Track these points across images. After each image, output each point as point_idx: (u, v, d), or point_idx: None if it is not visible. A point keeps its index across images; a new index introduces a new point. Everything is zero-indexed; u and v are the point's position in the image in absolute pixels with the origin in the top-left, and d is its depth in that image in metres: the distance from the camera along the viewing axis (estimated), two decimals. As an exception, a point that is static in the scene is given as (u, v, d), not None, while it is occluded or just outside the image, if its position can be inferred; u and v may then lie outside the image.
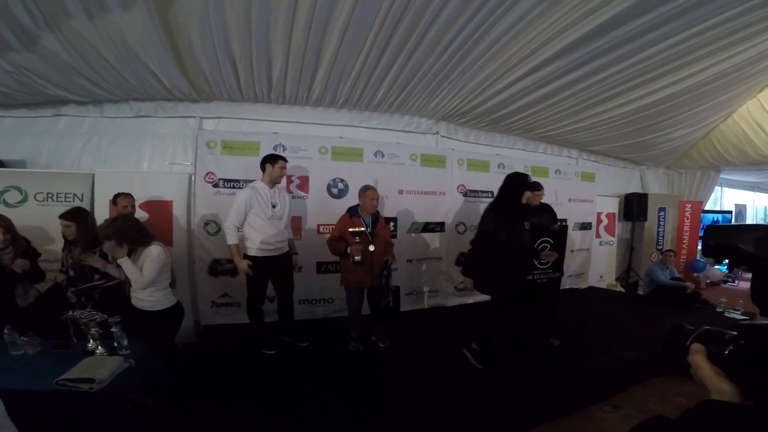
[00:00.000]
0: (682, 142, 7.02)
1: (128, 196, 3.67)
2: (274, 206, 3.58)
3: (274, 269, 3.63)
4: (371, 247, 3.59)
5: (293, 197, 4.56)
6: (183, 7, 2.82)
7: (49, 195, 4.01)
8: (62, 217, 3.06)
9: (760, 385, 0.62)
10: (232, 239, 3.47)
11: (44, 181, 4.03)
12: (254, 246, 3.53)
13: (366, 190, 3.71)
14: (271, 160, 3.60)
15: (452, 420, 2.65)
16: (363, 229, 3.56)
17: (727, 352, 0.66)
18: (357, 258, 3.52)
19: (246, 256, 3.53)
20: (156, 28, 2.96)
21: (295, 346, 3.82)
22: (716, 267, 8.27)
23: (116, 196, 3.63)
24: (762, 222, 10.90)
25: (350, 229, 3.56)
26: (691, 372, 0.71)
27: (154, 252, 2.70)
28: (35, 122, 4.33)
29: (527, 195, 3.40)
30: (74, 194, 4.08)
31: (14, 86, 3.73)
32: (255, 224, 3.52)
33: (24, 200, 3.94)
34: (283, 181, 3.85)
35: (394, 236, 4.97)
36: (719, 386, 0.64)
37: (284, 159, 3.67)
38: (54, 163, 4.33)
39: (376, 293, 3.69)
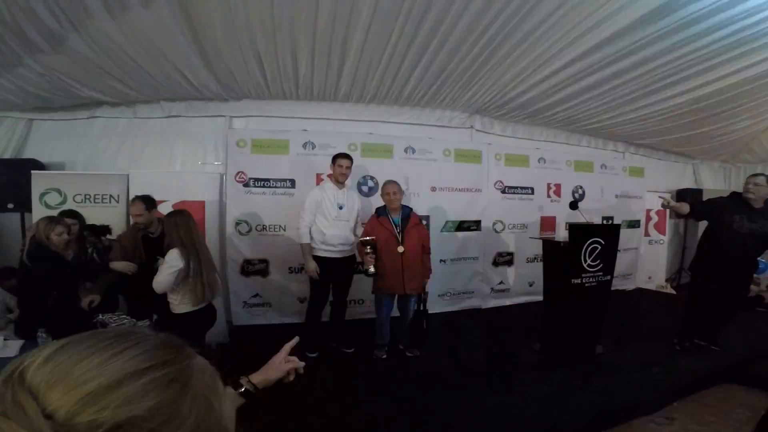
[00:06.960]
0: (742, 135, 6.38)
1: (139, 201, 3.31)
2: (340, 207, 3.54)
3: (334, 271, 3.56)
4: (400, 249, 3.40)
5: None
6: (204, 2, 2.76)
7: (87, 196, 4.09)
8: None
9: None
10: (304, 239, 3.49)
11: (82, 182, 4.12)
12: (317, 246, 3.52)
13: (384, 186, 3.56)
14: (333, 159, 3.58)
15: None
16: (371, 238, 3.34)
17: None
18: (370, 270, 3.34)
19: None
20: (179, 25, 2.93)
21: (340, 351, 3.73)
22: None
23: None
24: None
25: (361, 239, 3.39)
26: None
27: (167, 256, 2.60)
28: (72, 125, 4.46)
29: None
30: (110, 195, 4.14)
31: (48, 89, 3.82)
32: (320, 224, 3.51)
33: (63, 202, 4.01)
34: (350, 180, 3.78)
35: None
36: None
37: (345, 156, 3.58)
38: (91, 165, 4.43)
39: (406, 309, 3.56)
